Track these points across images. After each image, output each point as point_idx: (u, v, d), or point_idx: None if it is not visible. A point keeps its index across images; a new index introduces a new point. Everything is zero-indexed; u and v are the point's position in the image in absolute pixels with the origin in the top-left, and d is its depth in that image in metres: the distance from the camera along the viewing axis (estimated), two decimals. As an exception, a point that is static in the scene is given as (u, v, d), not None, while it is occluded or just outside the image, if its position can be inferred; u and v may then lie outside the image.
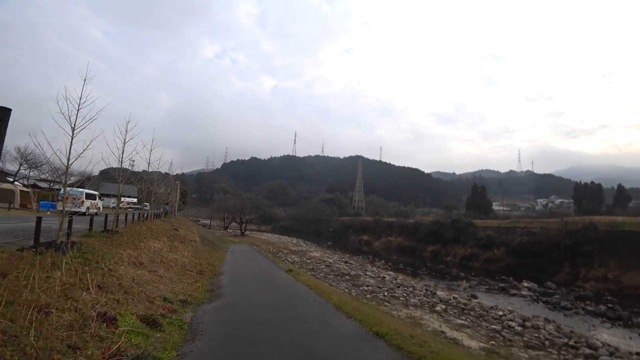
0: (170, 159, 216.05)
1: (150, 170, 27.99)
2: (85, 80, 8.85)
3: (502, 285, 27.97)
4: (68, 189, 10.27)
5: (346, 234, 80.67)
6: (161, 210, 36.04)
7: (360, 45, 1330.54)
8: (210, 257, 19.85)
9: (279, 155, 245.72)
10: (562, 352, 11.64)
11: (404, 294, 17.42)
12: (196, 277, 12.23)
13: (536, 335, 12.95)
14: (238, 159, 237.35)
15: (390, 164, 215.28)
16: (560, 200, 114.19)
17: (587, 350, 11.77)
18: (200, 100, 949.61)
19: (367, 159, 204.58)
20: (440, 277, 32.18)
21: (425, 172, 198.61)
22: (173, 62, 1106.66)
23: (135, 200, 41.25)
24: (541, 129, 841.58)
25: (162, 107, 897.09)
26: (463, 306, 16.16)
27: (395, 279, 23.49)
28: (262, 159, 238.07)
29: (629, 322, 19.60)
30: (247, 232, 63.31)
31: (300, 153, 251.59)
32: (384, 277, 23.48)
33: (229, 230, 66.76)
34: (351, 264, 31.51)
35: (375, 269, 29.68)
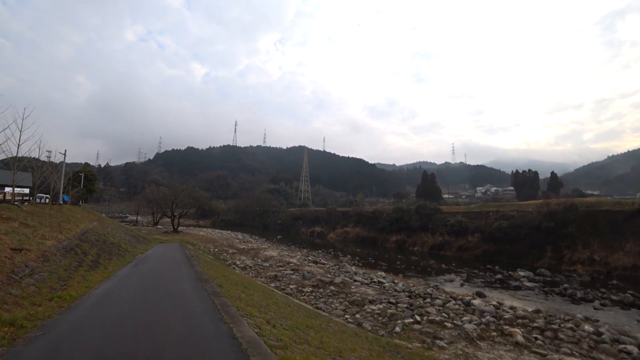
0: (96, 150, 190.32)
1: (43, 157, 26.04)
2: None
3: (499, 277, 24.39)
4: None
5: (295, 226, 74.83)
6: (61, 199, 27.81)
7: (294, 36, 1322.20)
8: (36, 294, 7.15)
9: (218, 145, 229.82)
10: None
11: (444, 315, 11.72)
12: None
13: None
14: (173, 149, 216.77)
15: (334, 154, 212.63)
16: (495, 188, 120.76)
17: None
18: (126, 86, 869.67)
19: (310, 149, 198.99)
20: (423, 271, 27.92)
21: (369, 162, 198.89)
22: (90, 43, 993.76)
23: (27, 190, 31.05)
24: (465, 125, 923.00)
25: (83, 93, 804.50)
26: (528, 323, 11.17)
27: (395, 283, 17.98)
28: (200, 149, 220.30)
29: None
30: (181, 228, 54.66)
31: (241, 143, 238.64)
32: (382, 283, 17.80)
33: (159, 227, 57.27)
34: (323, 263, 25.58)
35: (355, 269, 24.06)
